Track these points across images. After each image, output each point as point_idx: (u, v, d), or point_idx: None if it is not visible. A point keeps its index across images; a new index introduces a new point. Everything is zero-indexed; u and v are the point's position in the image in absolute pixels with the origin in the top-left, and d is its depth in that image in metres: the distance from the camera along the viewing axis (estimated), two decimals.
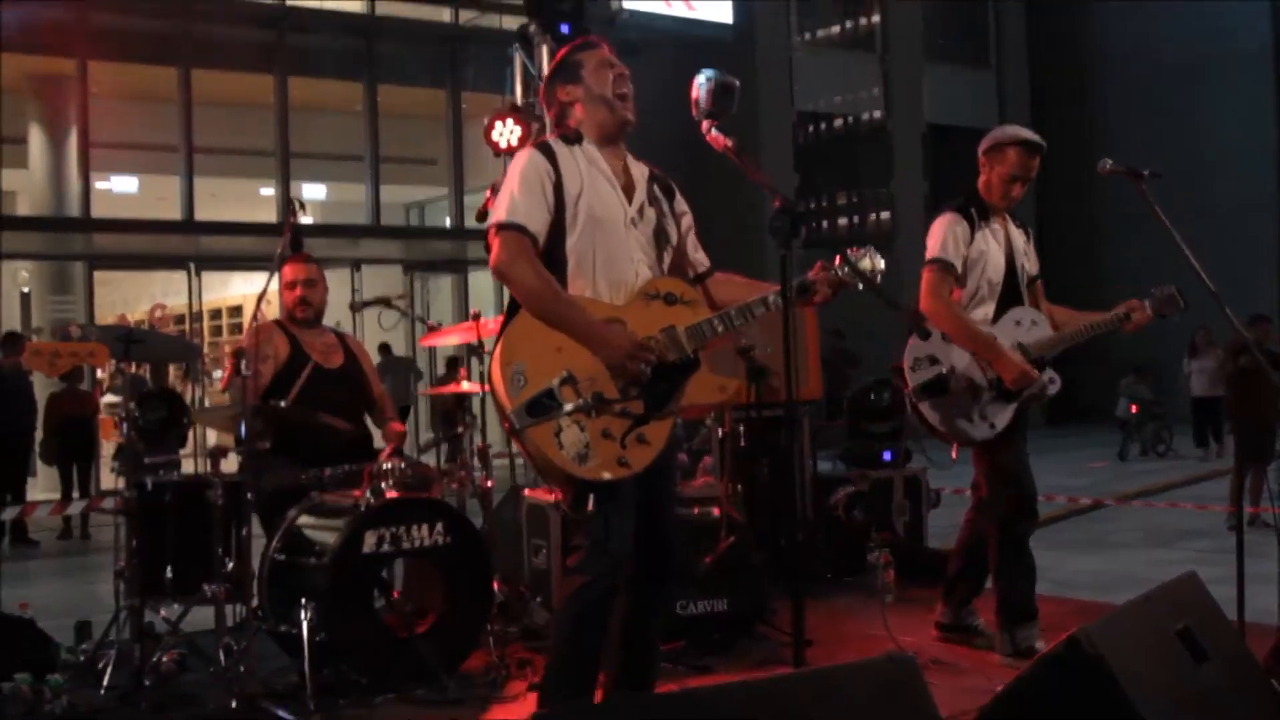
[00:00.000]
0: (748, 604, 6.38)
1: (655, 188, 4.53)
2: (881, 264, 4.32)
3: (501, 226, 4.19)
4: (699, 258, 4.63)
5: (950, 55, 28.34)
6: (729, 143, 4.41)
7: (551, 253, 4.23)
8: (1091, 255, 24.45)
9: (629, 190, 4.42)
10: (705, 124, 4.47)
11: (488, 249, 4.26)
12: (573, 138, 4.40)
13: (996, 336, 5.78)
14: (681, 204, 4.62)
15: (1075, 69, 28.33)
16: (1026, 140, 5.90)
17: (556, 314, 4.09)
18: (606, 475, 4.05)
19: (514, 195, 4.21)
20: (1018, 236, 6.02)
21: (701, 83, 4.60)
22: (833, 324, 18.20)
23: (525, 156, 4.30)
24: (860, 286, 4.31)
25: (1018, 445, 5.88)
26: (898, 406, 8.73)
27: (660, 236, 4.45)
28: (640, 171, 4.52)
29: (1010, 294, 5.90)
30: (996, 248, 5.89)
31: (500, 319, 4.52)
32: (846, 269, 4.29)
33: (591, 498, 4.11)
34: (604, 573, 4.16)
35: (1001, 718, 3.63)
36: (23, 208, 19.64)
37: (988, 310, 5.84)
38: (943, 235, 5.83)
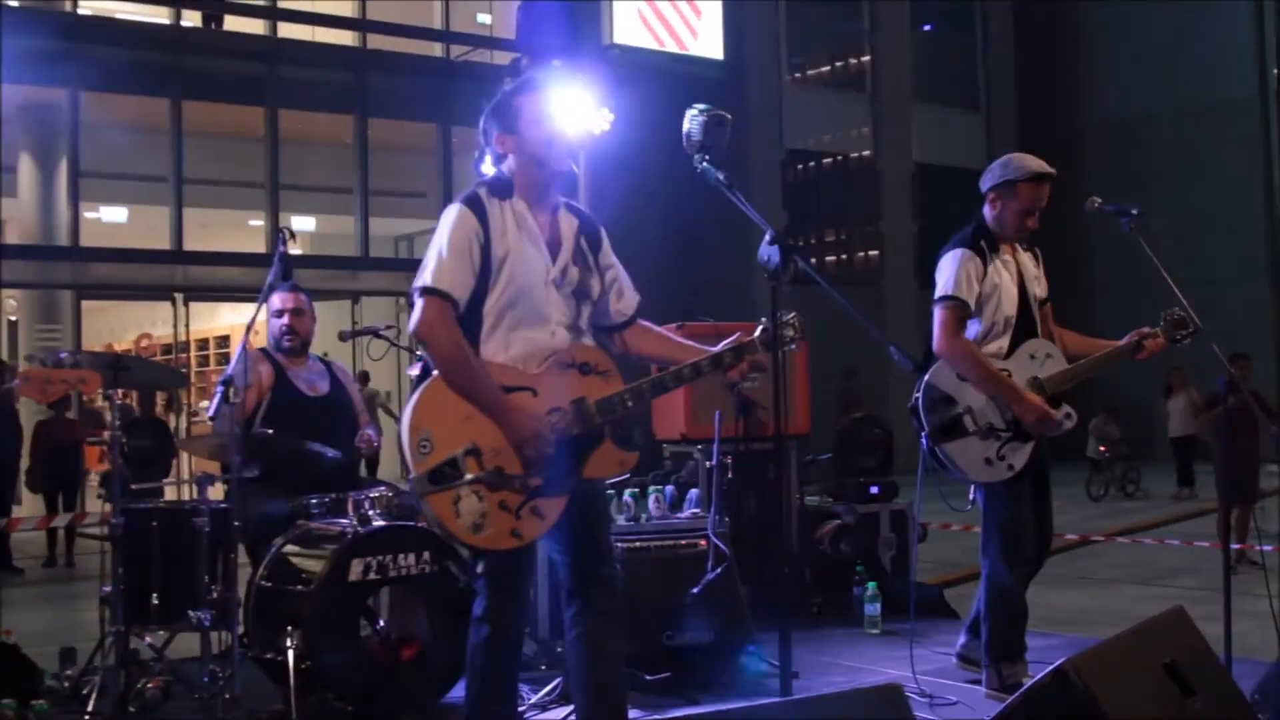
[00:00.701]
0: (733, 635, 6.38)
1: (582, 241, 4.53)
2: (799, 334, 4.60)
3: (426, 290, 4.23)
4: (621, 307, 4.64)
5: (939, 96, 28.49)
6: (720, 176, 4.45)
7: (470, 312, 4.29)
8: (1081, 297, 24.55)
9: (554, 248, 4.43)
10: (696, 157, 4.50)
11: (411, 306, 4.31)
12: (503, 191, 4.39)
13: (1012, 372, 5.71)
14: (608, 256, 4.62)
15: (1063, 112, 28.50)
16: (1037, 174, 5.80)
17: (468, 384, 4.17)
18: (498, 546, 4.17)
19: (441, 258, 4.24)
20: (1028, 263, 5.94)
21: (693, 116, 4.64)
22: (847, 362, 18.25)
23: (455, 214, 4.31)
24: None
25: (1029, 487, 5.79)
26: (885, 441, 8.77)
27: (580, 294, 4.48)
28: (570, 224, 4.52)
29: (1025, 326, 5.81)
30: (1009, 279, 5.80)
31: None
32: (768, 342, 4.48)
33: (481, 564, 4.28)
34: (490, 638, 4.32)
35: None
36: (11, 236, 19.62)
37: (1002, 344, 5.76)
38: (954, 272, 5.72)
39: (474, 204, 4.33)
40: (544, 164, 4.41)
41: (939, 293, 5.75)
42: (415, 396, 4.18)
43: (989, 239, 5.82)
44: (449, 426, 4.11)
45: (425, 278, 4.24)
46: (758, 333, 4.54)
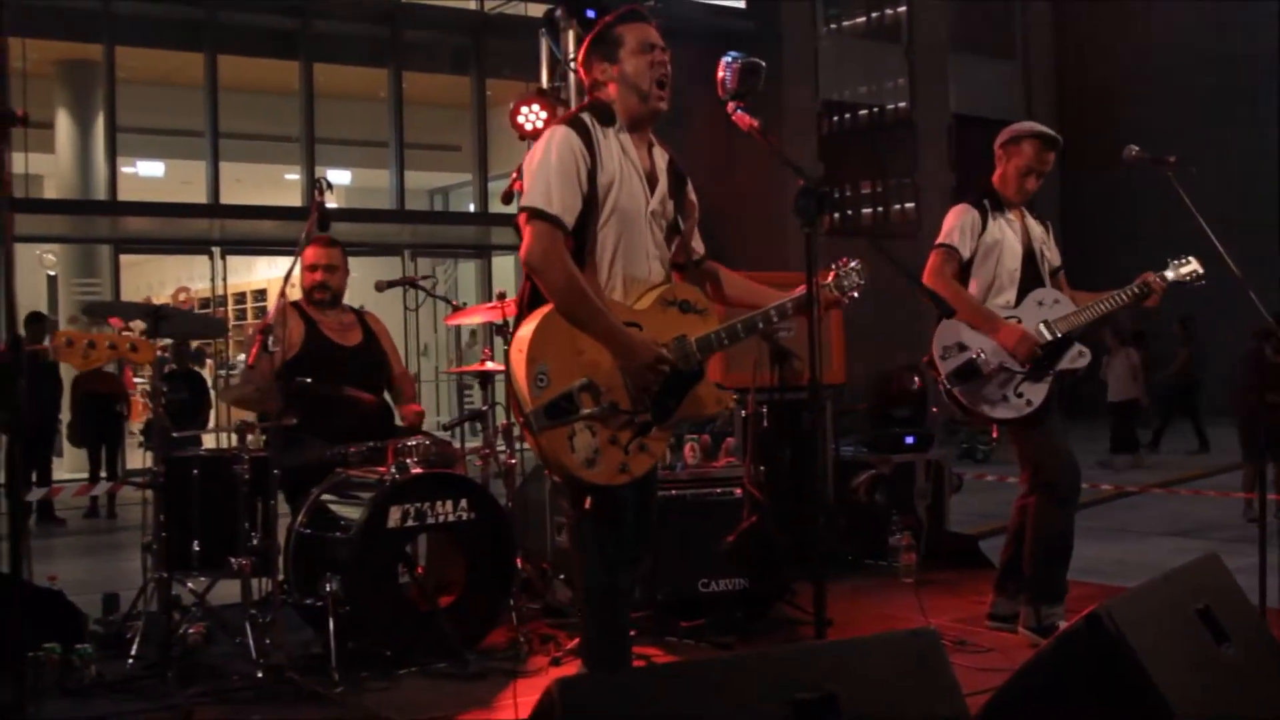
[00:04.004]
0: (768, 584, 6.42)
1: (673, 177, 4.52)
2: (862, 280, 4.54)
3: (535, 214, 4.14)
4: (697, 245, 4.66)
5: (976, 46, 28.16)
6: (755, 123, 4.43)
7: (576, 239, 4.21)
8: (1118, 247, 24.33)
9: (652, 181, 4.41)
10: (731, 105, 4.49)
11: (518, 231, 4.23)
12: (607, 117, 4.34)
13: (1021, 319, 5.88)
14: (692, 193, 4.61)
15: (1102, 59, 28.18)
16: (1043, 134, 6.06)
17: (584, 316, 4.08)
18: (610, 481, 4.14)
19: (549, 180, 4.14)
20: (1036, 228, 6.15)
21: (727, 63, 4.62)
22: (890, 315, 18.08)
23: (561, 135, 4.22)
24: (846, 301, 4.56)
25: (1054, 420, 5.94)
26: (920, 391, 8.76)
27: (672, 229, 4.48)
28: (662, 159, 4.51)
29: (1031, 281, 6.01)
30: (1013, 236, 6.01)
31: (506, 304, 4.56)
32: (845, 281, 4.53)
33: (589, 499, 4.21)
34: (607, 570, 4.30)
35: (1022, 692, 3.65)
36: (50, 191, 19.72)
37: (1009, 297, 5.97)
38: (953, 224, 6.00)
39: (578, 126, 4.25)
40: (645, 98, 4.35)
41: (936, 241, 6.02)
42: (529, 328, 4.07)
43: (993, 197, 6.07)
44: (564, 360, 4.05)
45: (534, 199, 4.14)
46: (830, 279, 4.53)
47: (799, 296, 4.38)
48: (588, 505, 4.24)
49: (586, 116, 4.31)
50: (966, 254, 5.94)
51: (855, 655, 3.27)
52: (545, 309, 4.11)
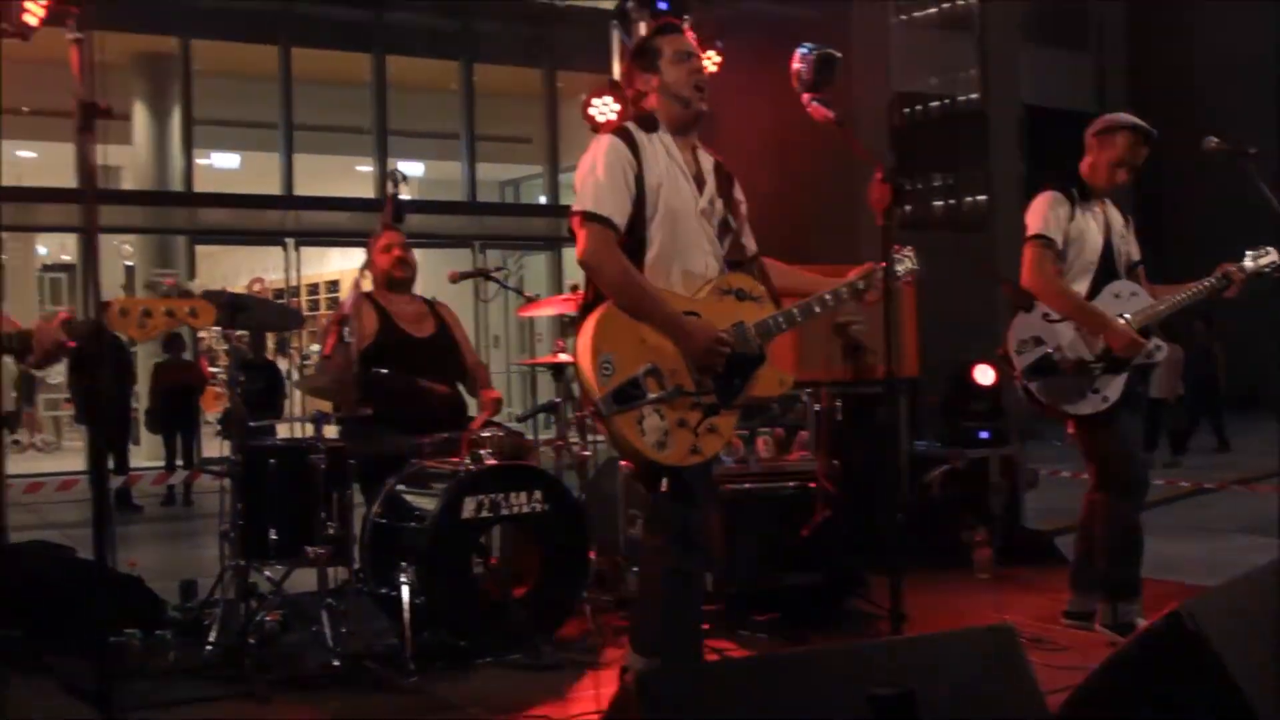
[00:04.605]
0: (842, 578, 6.40)
1: (720, 178, 4.66)
2: (915, 266, 4.68)
3: (588, 217, 4.33)
4: (748, 242, 4.77)
5: (1049, 37, 27.88)
6: (831, 115, 4.45)
7: (632, 240, 4.38)
8: (1192, 240, 24.03)
9: (700, 181, 4.57)
10: (806, 96, 4.50)
11: (570, 233, 4.43)
12: (651, 125, 4.53)
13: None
14: (739, 192, 4.75)
15: (1176, 51, 27.82)
16: (1139, 127, 5.95)
17: (642, 306, 4.28)
18: (682, 463, 4.28)
19: (599, 183, 4.35)
20: (1117, 220, 6.07)
21: (803, 54, 4.61)
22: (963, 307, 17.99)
23: (607, 143, 4.42)
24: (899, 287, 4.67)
25: (1125, 416, 5.88)
26: (996, 385, 8.68)
27: (723, 227, 4.62)
28: (707, 162, 4.66)
29: (1106, 273, 5.94)
30: (1095, 228, 5.93)
31: (579, 296, 4.66)
32: (899, 267, 4.63)
33: (665, 480, 4.33)
34: (682, 552, 4.37)
35: (1101, 691, 3.61)
36: (127, 183, 19.98)
37: (1082, 287, 5.89)
38: (1043, 213, 5.88)
39: (623, 134, 4.46)
40: (687, 103, 4.54)
41: (1028, 232, 5.91)
42: (591, 322, 4.26)
43: (1080, 186, 5.97)
44: (627, 349, 4.23)
45: (585, 203, 4.35)
46: (883, 265, 4.58)
47: (852, 281, 4.61)
48: (664, 487, 4.35)
49: (630, 125, 4.54)
50: (1061, 243, 5.84)
51: (933, 651, 3.25)
52: (607, 303, 4.31)
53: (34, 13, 7.20)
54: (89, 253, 3.64)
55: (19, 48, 7.56)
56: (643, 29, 9.38)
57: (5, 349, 3.67)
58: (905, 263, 4.72)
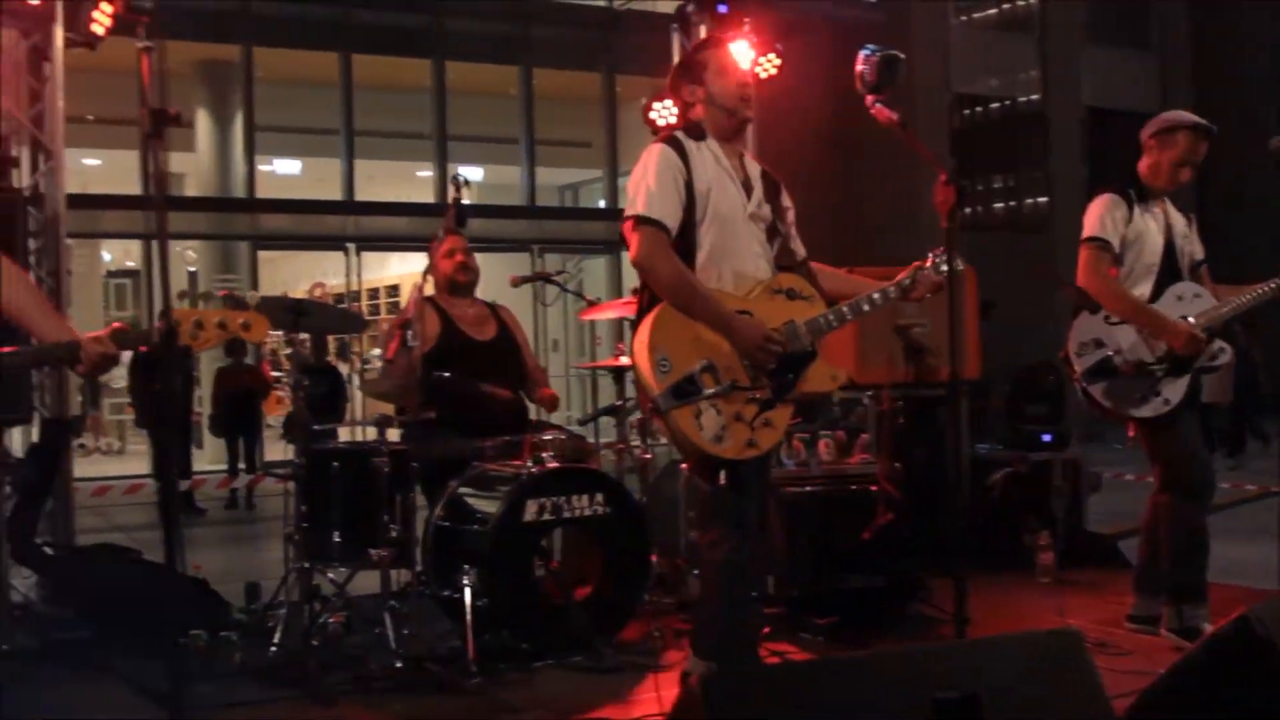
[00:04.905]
0: (904, 581, 6.37)
1: (767, 184, 4.77)
2: (961, 266, 4.56)
3: (640, 221, 4.46)
4: (796, 247, 4.86)
5: (1110, 37, 27.64)
6: (894, 116, 4.45)
7: (684, 244, 4.50)
8: (1253, 241, 23.74)
9: (747, 186, 4.68)
10: (869, 98, 4.51)
11: (622, 238, 4.56)
12: (698, 134, 4.66)
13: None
14: (786, 199, 4.84)
15: (1240, 51, 27.50)
16: (1198, 125, 5.91)
17: (695, 306, 4.39)
18: (739, 456, 4.37)
19: (650, 189, 4.47)
20: (1179, 220, 6.01)
21: (865, 56, 4.61)
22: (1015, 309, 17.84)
23: (658, 152, 4.55)
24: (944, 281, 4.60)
25: (1191, 419, 5.86)
26: (1058, 389, 8.62)
27: (772, 231, 4.73)
28: (754, 169, 4.77)
29: (1169, 274, 5.88)
30: (1155, 229, 5.88)
31: (635, 299, 4.72)
32: (938, 269, 4.59)
33: (723, 474, 4.42)
34: (739, 543, 4.47)
35: (1166, 696, 3.57)
36: (191, 189, 20.20)
37: (1145, 289, 5.84)
38: (1100, 215, 5.85)
39: (672, 143, 4.58)
40: (733, 112, 4.67)
41: (1084, 234, 5.87)
42: (647, 322, 4.38)
43: (1139, 187, 5.93)
44: (682, 346, 4.34)
45: (638, 208, 4.46)
46: (929, 263, 4.65)
47: (900, 281, 4.67)
48: (723, 480, 4.44)
49: (680, 134, 4.68)
50: (1117, 246, 5.80)
51: (997, 655, 3.24)
52: (662, 304, 4.43)
53: (101, 22, 7.33)
54: (161, 259, 3.69)
55: (82, 57, 7.69)
56: (703, 32, 9.40)
57: (54, 358, 3.72)
58: (955, 261, 4.69)
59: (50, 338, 3.74)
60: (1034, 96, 26.29)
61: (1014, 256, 19.07)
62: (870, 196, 20.06)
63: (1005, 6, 26.79)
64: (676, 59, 9.81)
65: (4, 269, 3.85)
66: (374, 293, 23.97)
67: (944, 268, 4.56)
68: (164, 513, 4.32)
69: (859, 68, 4.58)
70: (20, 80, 7.65)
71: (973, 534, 7.77)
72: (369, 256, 20.97)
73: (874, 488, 6.40)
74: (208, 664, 5.65)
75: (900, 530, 6.32)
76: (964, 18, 25.94)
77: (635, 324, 4.55)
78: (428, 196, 20.37)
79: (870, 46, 4.63)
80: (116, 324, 4.04)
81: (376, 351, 19.42)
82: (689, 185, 4.50)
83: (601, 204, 22.32)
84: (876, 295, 4.64)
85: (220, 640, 5.88)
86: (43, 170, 7.67)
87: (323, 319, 6.94)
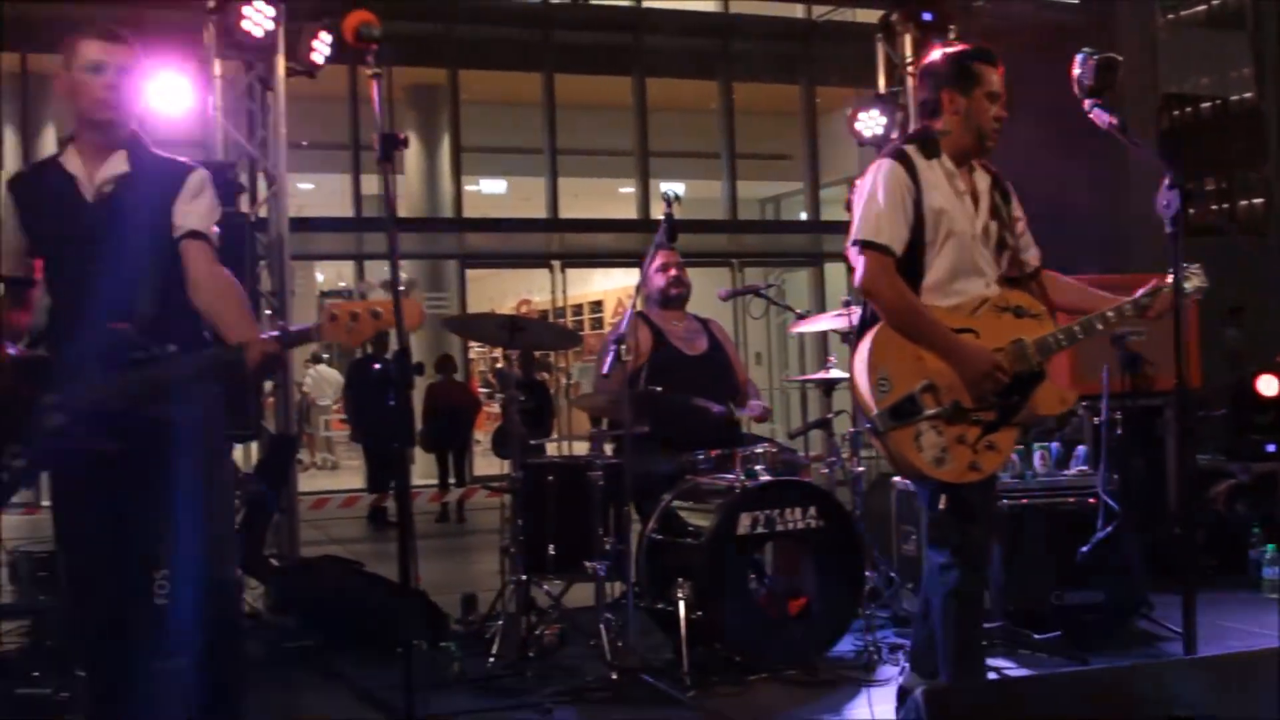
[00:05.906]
0: (1125, 596, 6.22)
1: (996, 195, 4.60)
2: (1204, 283, 4.46)
3: (866, 245, 4.35)
4: (1028, 258, 4.69)
5: None
6: (1114, 120, 4.36)
7: (910, 264, 4.38)
8: None
9: (976, 202, 4.52)
10: (1088, 102, 4.42)
11: (848, 263, 4.47)
12: (932, 149, 4.48)
13: None
14: (1017, 209, 4.68)
15: None
16: None
17: (919, 330, 4.30)
18: (961, 479, 4.25)
19: (879, 211, 4.35)
20: None
21: (1082, 59, 4.53)
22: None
23: (887, 169, 4.40)
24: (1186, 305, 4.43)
25: None
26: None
27: (1001, 245, 4.57)
28: (984, 182, 4.60)
29: None
30: None
31: (851, 312, 4.68)
32: (1186, 284, 4.40)
33: (944, 498, 4.31)
34: (967, 573, 4.36)
35: None
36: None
37: None
38: None
39: (902, 159, 4.43)
40: (984, 138, 4.49)
41: None
42: (867, 341, 4.32)
43: None
44: (903, 366, 4.25)
45: (866, 232, 4.36)
46: (1169, 280, 4.41)
47: (1138, 299, 4.46)
48: (943, 504, 4.33)
49: (910, 148, 4.48)
50: None
51: (1233, 673, 3.14)
52: (881, 323, 4.34)
53: (321, 51, 7.61)
54: (393, 277, 3.81)
55: (297, 85, 8.00)
56: (908, 41, 9.35)
57: (223, 361, 3.79)
58: (1194, 280, 4.48)
59: (236, 339, 3.80)
60: (1247, 94, 25.43)
61: (1229, 261, 18.50)
62: (1078, 203, 19.61)
63: (1214, 3, 26.00)
64: (882, 69, 9.78)
65: (209, 265, 3.94)
66: (578, 309, 24.24)
67: (1186, 285, 4.40)
68: (400, 525, 4.46)
69: (1076, 71, 4.50)
70: (244, 110, 7.99)
71: (1194, 547, 7.57)
72: (573, 273, 21.20)
73: (1092, 500, 6.27)
74: (428, 674, 5.79)
75: (1120, 543, 6.18)
76: (1170, 16, 25.24)
77: (854, 340, 4.49)
78: (630, 213, 20.53)
79: (1086, 49, 4.55)
80: (280, 326, 4.14)
81: (579, 366, 19.71)
82: (918, 205, 4.38)
83: (803, 216, 22.22)
84: (1110, 313, 4.46)
85: (439, 650, 6.02)
86: (266, 195, 7.98)
87: (538, 335, 7.08)
